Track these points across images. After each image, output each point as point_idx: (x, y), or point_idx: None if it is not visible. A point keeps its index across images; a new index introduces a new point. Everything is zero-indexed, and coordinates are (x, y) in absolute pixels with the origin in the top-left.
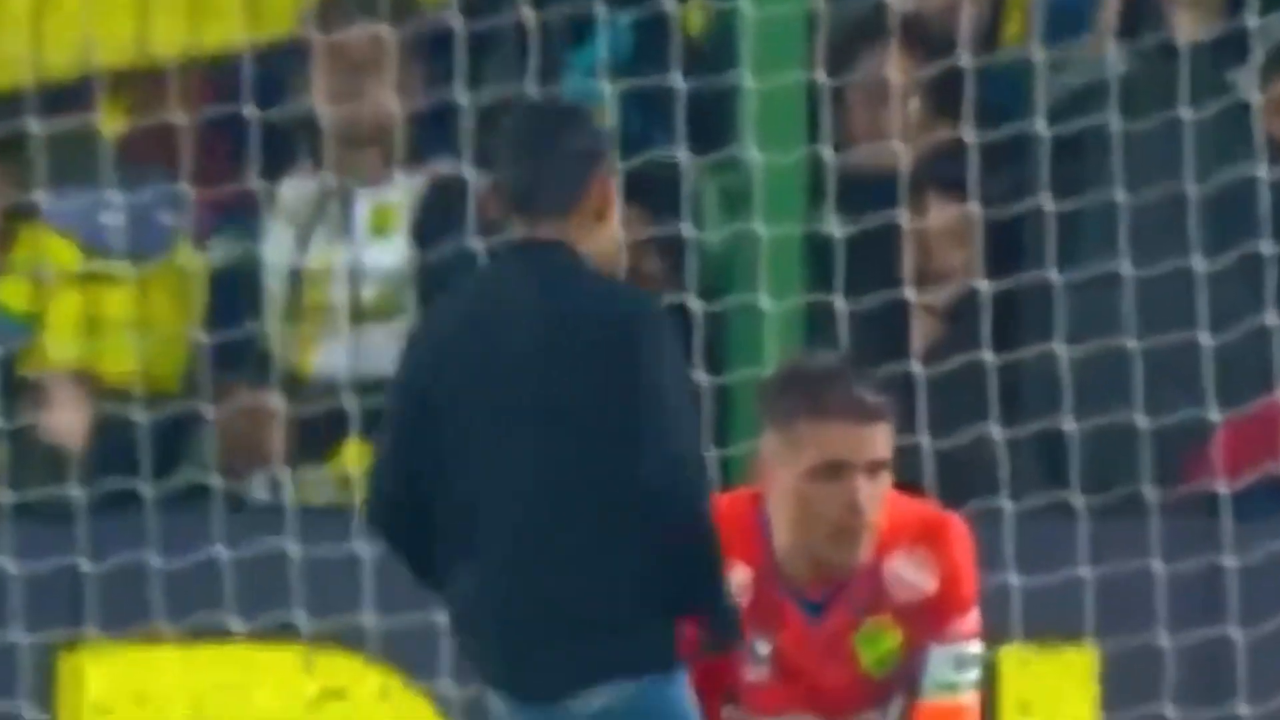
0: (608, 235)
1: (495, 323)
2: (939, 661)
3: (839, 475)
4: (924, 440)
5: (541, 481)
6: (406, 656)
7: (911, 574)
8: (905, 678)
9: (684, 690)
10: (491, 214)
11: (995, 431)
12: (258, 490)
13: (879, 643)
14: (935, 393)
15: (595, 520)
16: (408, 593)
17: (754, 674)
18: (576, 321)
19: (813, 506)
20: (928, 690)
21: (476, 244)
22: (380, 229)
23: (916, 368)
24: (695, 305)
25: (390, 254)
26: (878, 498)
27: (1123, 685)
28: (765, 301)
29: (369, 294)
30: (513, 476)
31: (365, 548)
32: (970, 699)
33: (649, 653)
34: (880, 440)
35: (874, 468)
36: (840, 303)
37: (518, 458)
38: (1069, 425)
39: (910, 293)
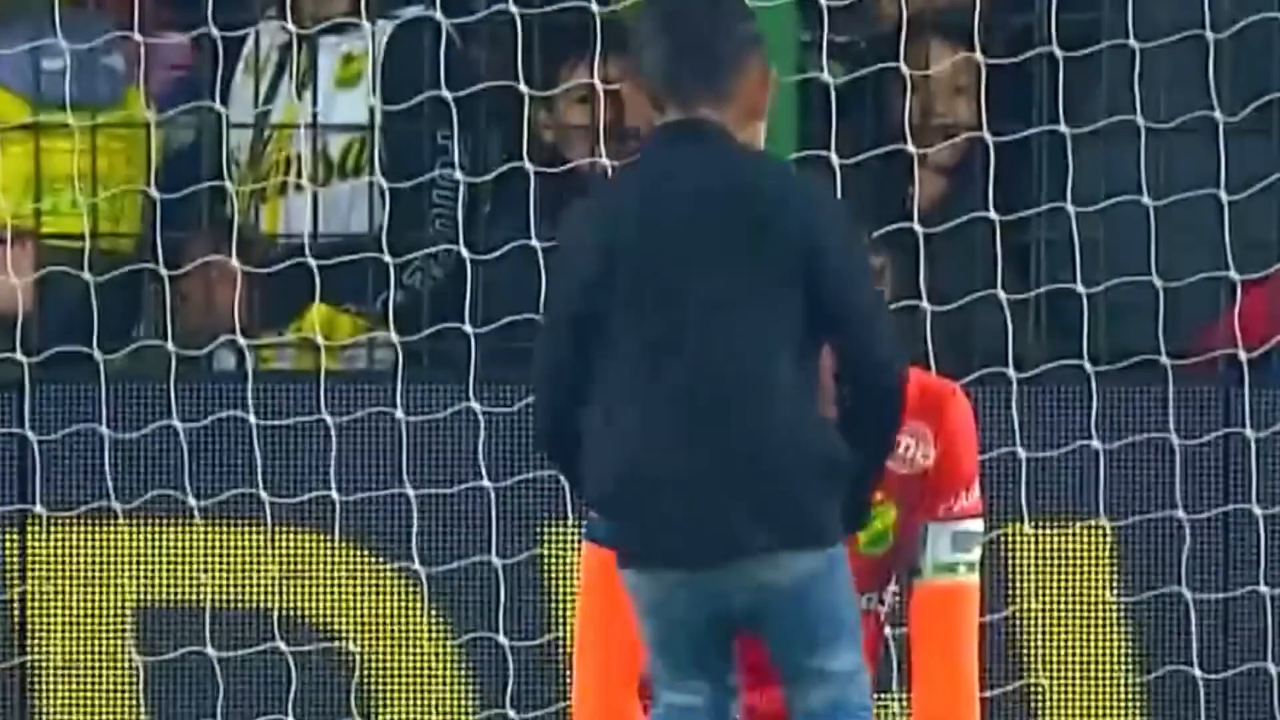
0: (757, 137)
1: (666, 201)
2: (937, 540)
3: None
4: (924, 305)
5: (740, 336)
6: (375, 534)
7: (908, 447)
8: (902, 558)
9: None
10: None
11: (1000, 295)
12: (217, 357)
13: (873, 519)
14: (937, 255)
15: (792, 381)
16: (377, 466)
17: None
18: (756, 195)
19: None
20: (925, 571)
21: (447, 96)
22: (346, 80)
23: (917, 227)
24: None
25: (357, 106)
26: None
27: (1137, 564)
28: None
29: (334, 149)
30: (706, 332)
31: (331, 419)
32: (971, 580)
33: (833, 525)
34: None
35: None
36: (835, 158)
37: (714, 315)
38: (1079, 288)
39: (911, 146)
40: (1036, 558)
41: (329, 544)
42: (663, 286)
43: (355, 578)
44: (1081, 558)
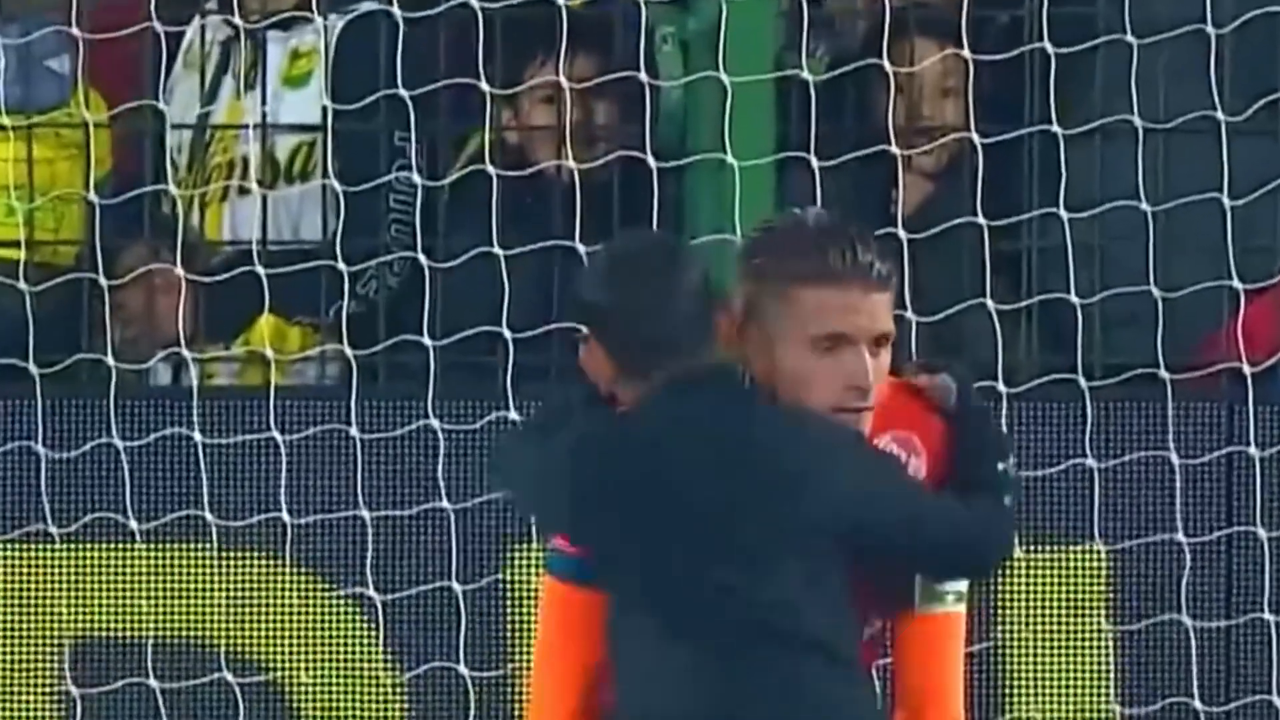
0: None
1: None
2: None
3: (842, 349)
4: (909, 315)
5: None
6: (328, 559)
7: (901, 458)
8: (890, 588)
9: None
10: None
11: (990, 305)
12: (159, 372)
13: None
14: (923, 262)
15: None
16: (330, 487)
17: None
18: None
19: (809, 384)
20: (913, 600)
21: (403, 95)
22: (295, 78)
23: (901, 234)
24: (651, 162)
25: (307, 105)
26: (881, 376)
27: (1134, 590)
28: (731, 158)
29: (283, 151)
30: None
31: (280, 437)
32: (958, 610)
33: None
34: (886, 311)
35: (880, 342)
36: (815, 160)
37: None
38: (1073, 297)
39: (895, 148)
40: (1026, 583)
41: (278, 569)
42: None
43: (306, 605)
44: (1074, 584)
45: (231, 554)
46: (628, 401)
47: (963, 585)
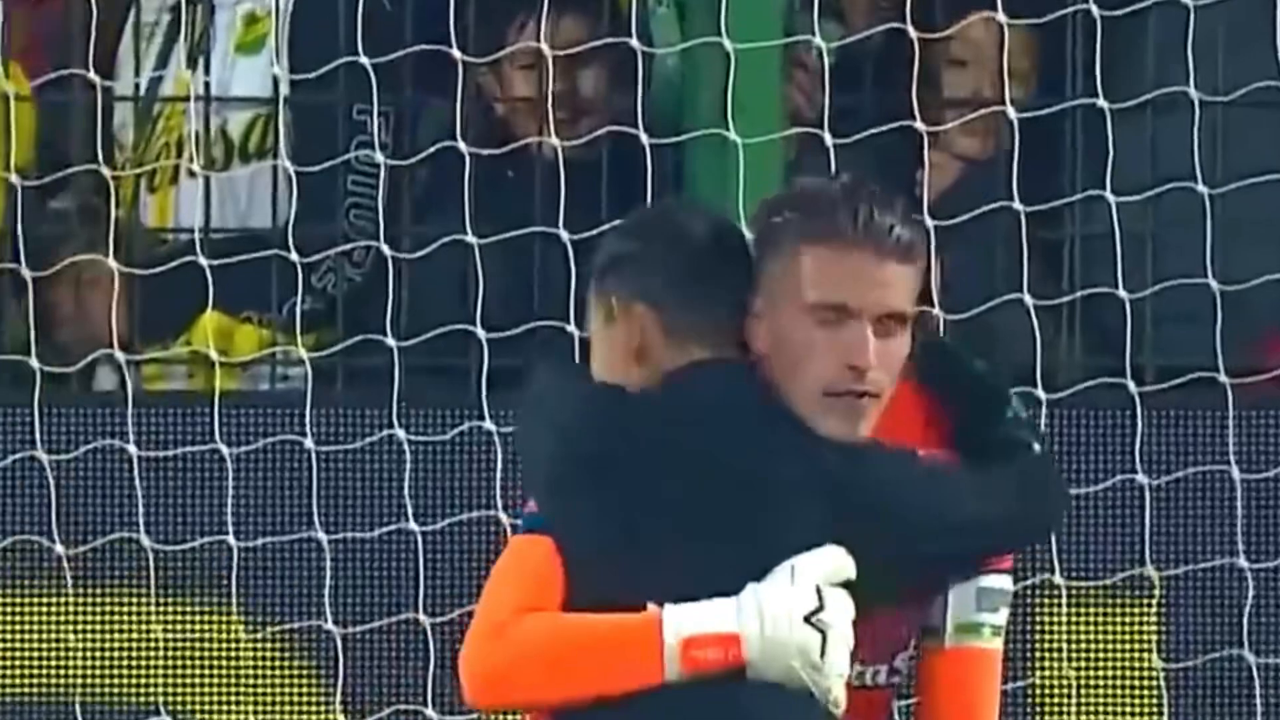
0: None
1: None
2: (960, 597)
3: (843, 322)
4: (936, 312)
5: None
6: (280, 587)
7: None
8: (915, 617)
9: None
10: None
11: (1027, 300)
12: (99, 377)
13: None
14: (953, 252)
15: None
16: (282, 506)
17: None
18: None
19: (803, 358)
20: (944, 633)
21: (366, 63)
22: (248, 45)
23: (928, 220)
24: (645, 140)
25: (261, 76)
26: (891, 362)
27: (1189, 622)
28: (735, 134)
29: (234, 127)
30: None
31: (227, 449)
32: (995, 646)
33: None
34: (902, 287)
35: (888, 321)
36: (829, 136)
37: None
38: (1121, 292)
39: (920, 123)
40: (1068, 615)
41: (223, 599)
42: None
43: (256, 639)
44: (1122, 615)
45: (171, 581)
46: (642, 379)
47: (1000, 618)
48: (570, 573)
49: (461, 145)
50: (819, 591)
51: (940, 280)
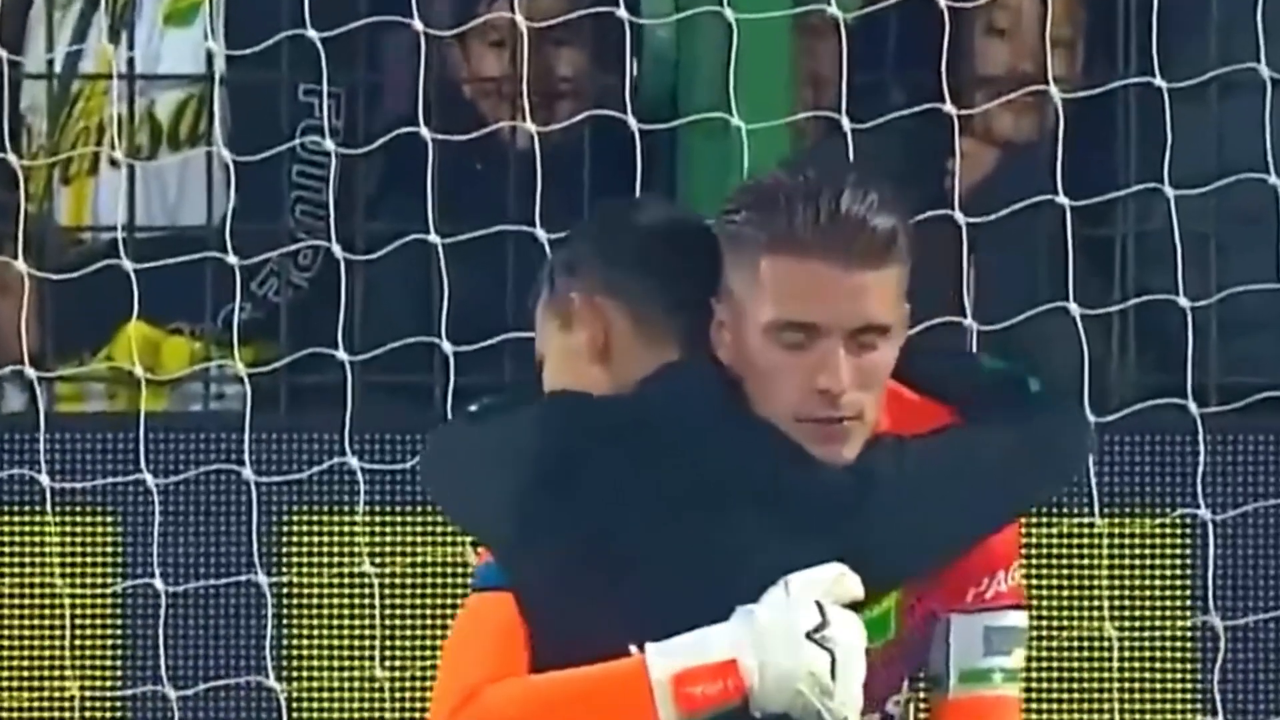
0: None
1: None
2: (964, 639)
3: (807, 341)
4: (968, 322)
5: None
6: (217, 636)
7: None
8: (910, 657)
9: None
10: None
11: (1073, 309)
12: (7, 396)
13: (869, 601)
14: (988, 253)
15: None
16: (214, 545)
17: None
18: None
19: (767, 383)
20: (948, 681)
21: (313, 36)
22: (179, 15)
23: (959, 217)
24: (634, 124)
25: (193, 51)
26: (871, 379)
27: (1260, 680)
28: (737, 118)
29: (162, 109)
30: None
31: (154, 480)
32: (1010, 693)
33: None
34: (880, 293)
35: (864, 336)
36: (846, 121)
37: None
38: (1181, 300)
39: (950, 105)
40: (1123, 671)
41: (150, 649)
42: None
43: (190, 695)
44: (1183, 669)
45: (87, 633)
46: (606, 385)
47: (1013, 660)
48: (538, 625)
49: (424, 131)
50: (820, 607)
51: (973, 286)
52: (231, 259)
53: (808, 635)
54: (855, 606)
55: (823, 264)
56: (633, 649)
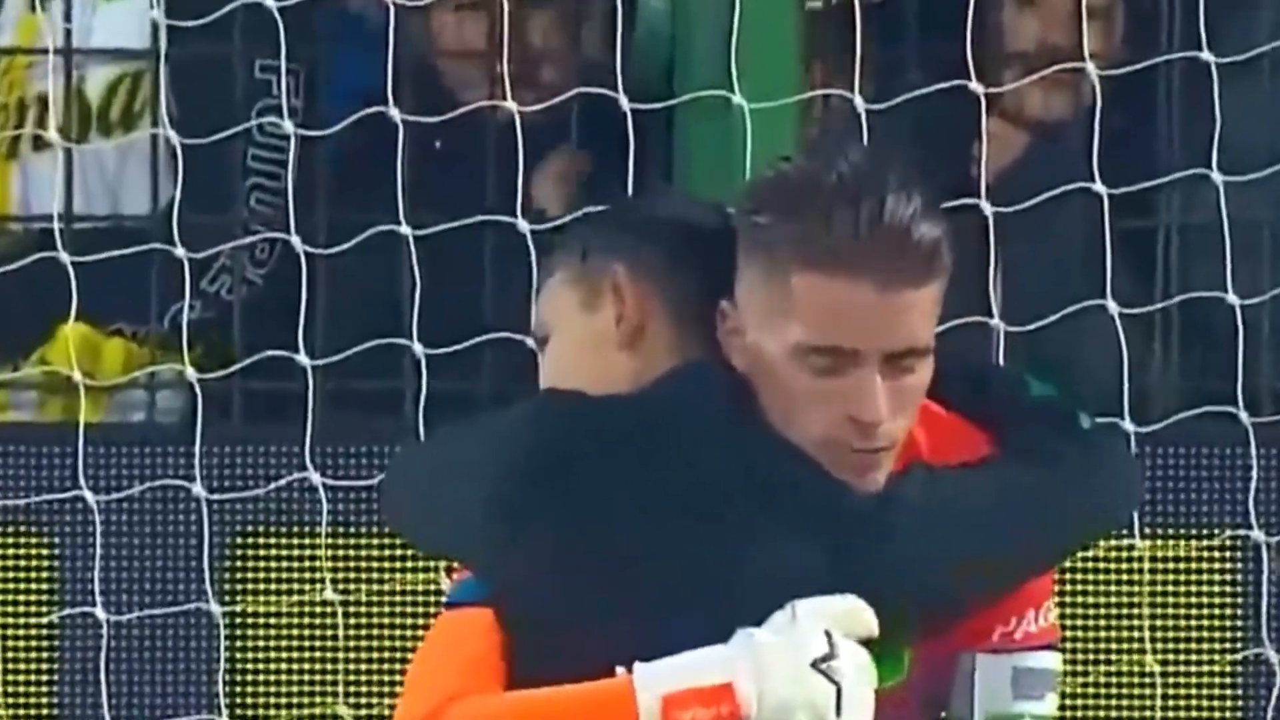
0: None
1: None
2: (991, 681)
3: (842, 367)
4: (995, 322)
5: None
6: (164, 671)
7: None
8: (927, 699)
9: None
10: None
11: (1111, 308)
12: None
13: (882, 638)
14: (1018, 246)
15: None
16: (162, 569)
17: None
18: None
19: (794, 408)
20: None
21: (269, 4)
22: None
23: (986, 207)
24: (624, 103)
25: (131, 23)
26: (907, 407)
27: None
28: (740, 96)
29: (95, 87)
30: None
31: (93, 497)
32: None
33: None
34: (921, 312)
35: (904, 360)
36: (860, 100)
37: None
38: (1231, 297)
39: (976, 83)
40: (1166, 708)
41: (89, 684)
42: None
43: None
44: (1232, 707)
45: (22, 660)
46: (630, 376)
47: (1046, 706)
48: (521, 635)
49: (393, 111)
50: (829, 636)
51: (1000, 283)
52: (179, 253)
53: (813, 664)
54: (867, 644)
55: (862, 283)
56: (619, 670)
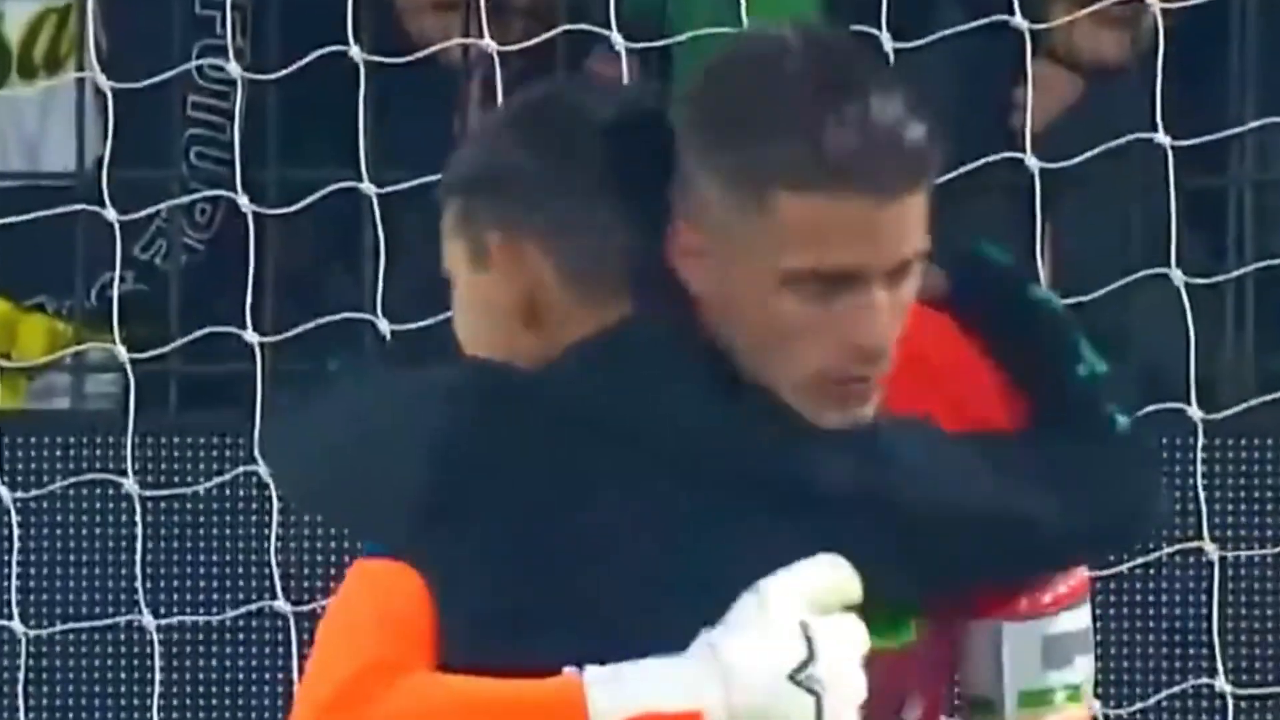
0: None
1: None
2: (1020, 653)
3: (840, 290)
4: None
5: None
6: (95, 683)
7: None
8: (936, 669)
9: None
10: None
11: (1176, 279)
12: None
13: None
14: (1069, 207)
15: None
16: (95, 574)
17: None
18: None
19: (786, 338)
20: (1004, 705)
21: None
22: None
23: (1032, 162)
24: (618, 41)
25: None
26: (899, 319)
27: None
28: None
29: (12, 28)
30: None
31: (8, 494)
32: (1076, 712)
33: None
34: (916, 218)
35: (902, 272)
36: (887, 38)
37: None
38: None
39: (1020, 18)
40: None
41: (7, 708)
42: None
43: None
44: None
45: None
46: (535, 353)
47: (1079, 673)
48: (448, 627)
49: (354, 51)
50: (806, 632)
51: (1049, 249)
52: (108, 214)
53: (790, 676)
54: (866, 608)
55: (859, 197)
56: (567, 670)
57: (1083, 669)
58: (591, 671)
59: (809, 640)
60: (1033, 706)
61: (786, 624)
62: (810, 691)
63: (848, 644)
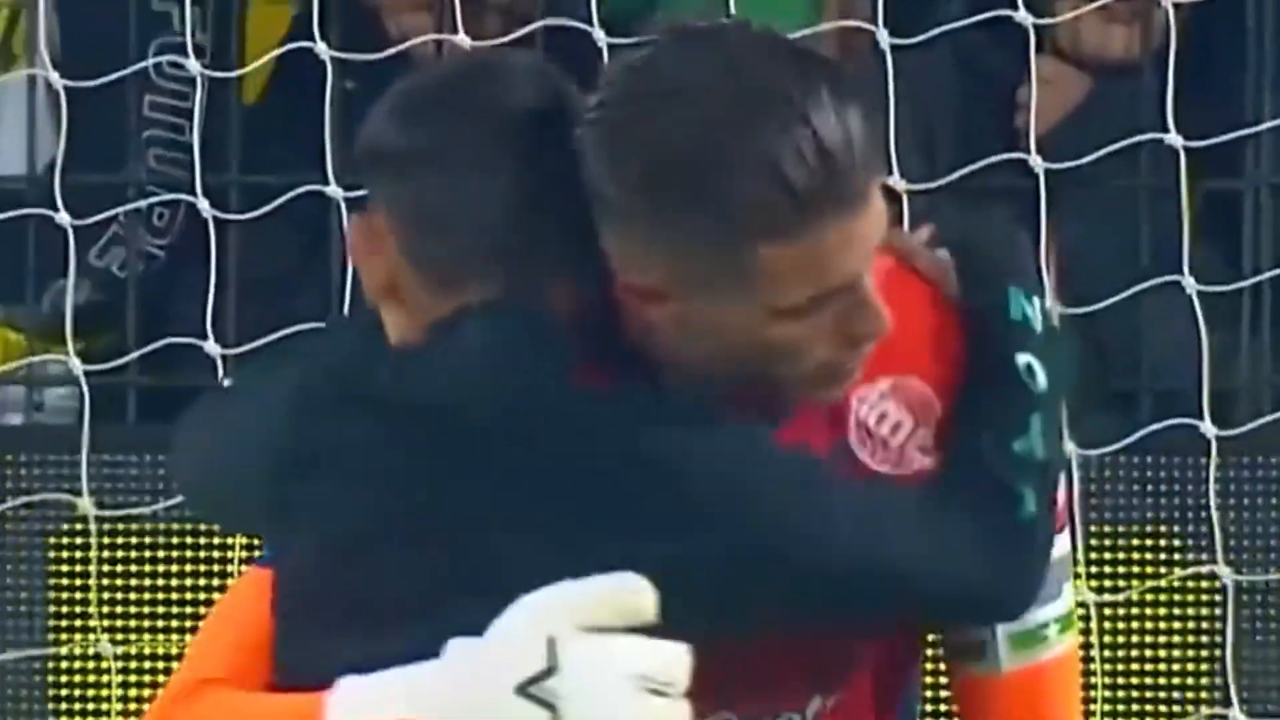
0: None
1: None
2: None
3: (829, 300)
4: (1051, 304)
5: None
6: None
7: (892, 423)
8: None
9: None
10: None
11: (1188, 286)
12: None
13: None
14: (1076, 211)
15: None
16: (50, 604)
17: None
18: None
19: (791, 352)
20: (995, 654)
21: None
22: None
23: (1036, 162)
24: (600, 37)
25: None
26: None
27: None
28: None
29: None
30: None
31: None
32: (1066, 645)
33: None
34: (879, 221)
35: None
36: (884, 34)
37: None
38: None
39: (1024, 13)
40: None
41: None
42: None
43: None
44: None
45: None
46: (404, 331)
47: (1064, 604)
48: (280, 619)
49: (320, 47)
50: (552, 645)
51: (1055, 255)
52: (62, 219)
53: (520, 688)
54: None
55: (833, 218)
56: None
57: (1069, 600)
58: (346, 680)
59: (553, 651)
60: (1026, 648)
61: (528, 635)
62: (544, 705)
63: (612, 661)
